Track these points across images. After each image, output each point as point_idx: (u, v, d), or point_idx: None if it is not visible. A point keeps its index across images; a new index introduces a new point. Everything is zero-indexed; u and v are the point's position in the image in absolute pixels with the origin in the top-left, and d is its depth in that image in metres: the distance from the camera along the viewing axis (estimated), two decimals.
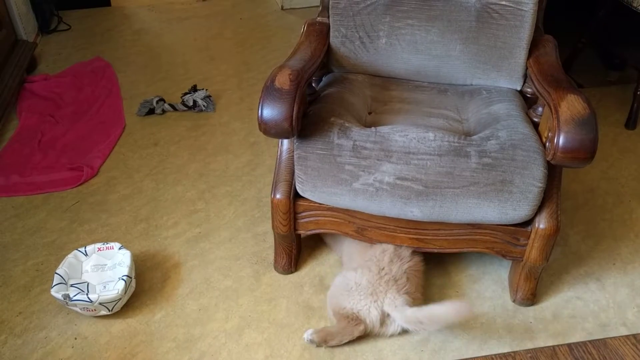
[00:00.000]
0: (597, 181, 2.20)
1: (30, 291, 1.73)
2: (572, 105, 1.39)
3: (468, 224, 1.57)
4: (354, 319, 1.54)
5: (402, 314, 1.51)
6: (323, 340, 1.54)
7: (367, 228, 1.63)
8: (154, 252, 1.87)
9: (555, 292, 1.75)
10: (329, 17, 1.80)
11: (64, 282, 1.64)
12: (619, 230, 1.98)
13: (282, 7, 3.67)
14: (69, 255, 1.71)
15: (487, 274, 1.80)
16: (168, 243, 1.91)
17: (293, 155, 1.56)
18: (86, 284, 1.68)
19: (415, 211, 1.51)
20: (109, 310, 1.61)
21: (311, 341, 1.54)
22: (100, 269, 1.72)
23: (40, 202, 2.07)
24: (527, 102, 1.75)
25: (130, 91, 2.75)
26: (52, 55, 3.08)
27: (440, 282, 1.76)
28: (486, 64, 1.76)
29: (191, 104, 2.58)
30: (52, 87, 2.73)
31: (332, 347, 1.55)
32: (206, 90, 2.65)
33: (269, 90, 1.44)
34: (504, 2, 1.69)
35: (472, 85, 1.83)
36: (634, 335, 1.62)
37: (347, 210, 1.61)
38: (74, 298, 1.57)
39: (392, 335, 1.58)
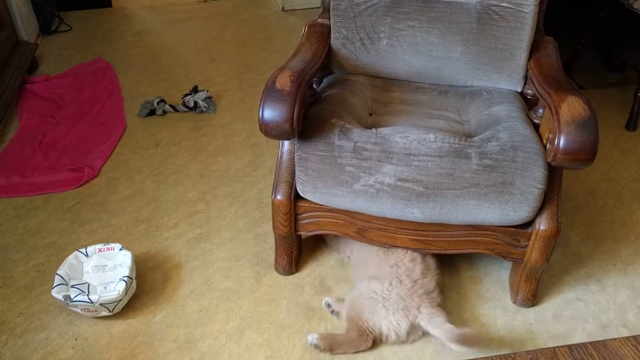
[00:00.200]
0: (598, 182, 2.20)
1: (31, 292, 1.73)
2: (572, 106, 1.40)
3: (468, 225, 1.57)
4: (368, 333, 1.53)
5: (450, 333, 1.47)
6: (328, 348, 1.52)
7: (368, 229, 1.63)
8: (155, 253, 1.87)
9: (555, 293, 1.75)
10: (329, 18, 1.80)
11: (64, 283, 1.64)
12: (619, 231, 1.98)
13: (283, 8, 3.67)
14: (70, 256, 1.71)
15: (488, 275, 1.80)
16: (169, 244, 1.91)
17: (294, 157, 1.56)
18: (87, 284, 1.68)
19: (415, 212, 1.51)
20: (110, 311, 1.62)
21: (315, 346, 1.52)
22: (101, 269, 1.72)
23: (41, 203, 2.07)
24: (528, 103, 1.75)
25: (131, 92, 2.75)
26: (53, 56, 3.09)
27: (441, 283, 1.76)
28: (487, 66, 1.77)
29: (192, 105, 2.59)
30: (53, 88, 2.73)
31: (336, 354, 1.54)
32: (207, 91, 2.65)
33: (270, 92, 1.44)
34: (504, 4, 1.70)
35: (472, 86, 1.83)
36: (635, 337, 1.62)
37: (347, 211, 1.61)
38: (75, 299, 1.57)
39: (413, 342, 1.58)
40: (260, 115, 1.43)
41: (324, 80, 1.84)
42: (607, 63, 2.94)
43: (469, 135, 1.62)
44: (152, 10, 3.69)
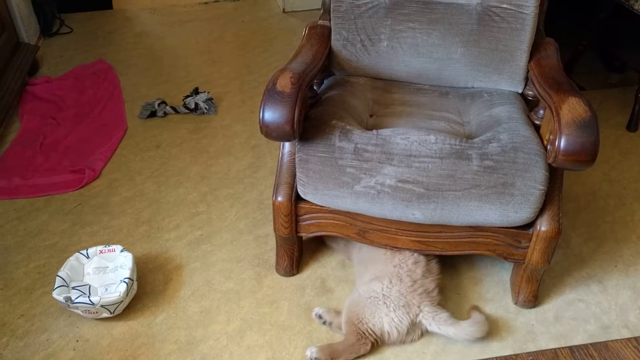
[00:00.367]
0: (599, 183, 2.20)
1: (31, 294, 1.73)
2: (573, 108, 1.39)
3: (470, 227, 1.57)
4: (365, 336, 1.53)
5: (457, 327, 1.53)
6: (329, 358, 1.51)
7: (369, 230, 1.63)
8: (156, 255, 1.87)
9: (557, 294, 1.75)
10: (330, 20, 1.80)
11: (65, 284, 1.64)
12: (620, 232, 1.98)
13: (283, 10, 3.68)
14: (71, 258, 1.71)
15: (489, 276, 1.80)
16: (170, 245, 1.91)
17: (294, 158, 1.56)
18: (88, 286, 1.68)
19: (416, 214, 1.51)
20: (111, 313, 1.62)
21: (316, 359, 1.50)
22: (102, 271, 1.72)
23: (42, 205, 2.07)
24: (529, 104, 1.75)
25: (132, 94, 2.75)
26: (54, 57, 3.09)
27: (442, 285, 1.76)
28: (487, 67, 1.77)
29: (193, 106, 2.59)
30: (54, 90, 2.74)
31: None
32: (208, 92, 2.65)
33: (271, 93, 1.44)
34: (505, 5, 1.70)
35: (473, 87, 1.83)
36: (636, 338, 1.62)
37: (348, 212, 1.61)
38: (76, 300, 1.57)
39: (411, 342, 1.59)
40: (261, 117, 1.44)
41: (325, 81, 1.84)
42: (608, 64, 2.94)
43: (469, 137, 1.62)
44: (153, 12, 3.70)
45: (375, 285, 1.58)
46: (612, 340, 1.61)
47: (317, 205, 1.62)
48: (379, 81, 1.85)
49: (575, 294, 1.75)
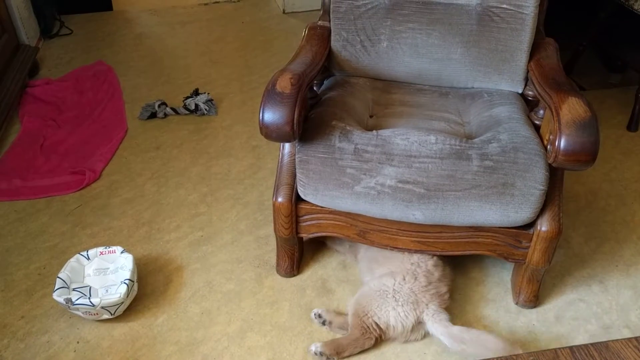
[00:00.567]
0: (599, 183, 2.20)
1: (32, 295, 1.73)
2: (573, 108, 1.39)
3: (470, 227, 1.57)
4: (370, 330, 1.53)
5: (447, 329, 1.52)
6: (335, 353, 1.51)
7: (369, 231, 1.63)
8: (156, 256, 1.87)
9: (557, 294, 1.75)
10: (330, 20, 1.80)
11: (66, 286, 1.64)
12: (621, 232, 1.98)
13: (283, 10, 3.68)
14: (71, 259, 1.71)
15: (490, 276, 1.80)
16: (170, 246, 1.91)
17: (295, 159, 1.56)
18: (88, 287, 1.68)
19: (417, 214, 1.51)
20: (111, 314, 1.62)
21: (321, 354, 1.50)
22: (103, 272, 1.72)
23: (42, 206, 2.08)
24: (529, 104, 1.75)
25: (132, 95, 2.75)
26: (54, 59, 3.09)
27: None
28: (487, 67, 1.77)
29: (193, 107, 2.59)
30: (54, 91, 2.74)
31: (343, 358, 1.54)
32: (208, 93, 2.65)
33: (271, 94, 1.44)
34: (504, 6, 1.70)
35: (473, 88, 1.83)
36: (637, 338, 1.62)
37: (349, 213, 1.61)
38: (76, 302, 1.57)
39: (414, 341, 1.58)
40: (261, 117, 1.44)
41: (325, 82, 1.84)
42: (608, 64, 2.94)
43: (469, 137, 1.62)
44: (153, 13, 3.70)
45: (387, 280, 1.60)
46: (613, 340, 1.60)
47: (317, 206, 1.62)
48: (379, 82, 1.85)
49: (576, 294, 1.75)
